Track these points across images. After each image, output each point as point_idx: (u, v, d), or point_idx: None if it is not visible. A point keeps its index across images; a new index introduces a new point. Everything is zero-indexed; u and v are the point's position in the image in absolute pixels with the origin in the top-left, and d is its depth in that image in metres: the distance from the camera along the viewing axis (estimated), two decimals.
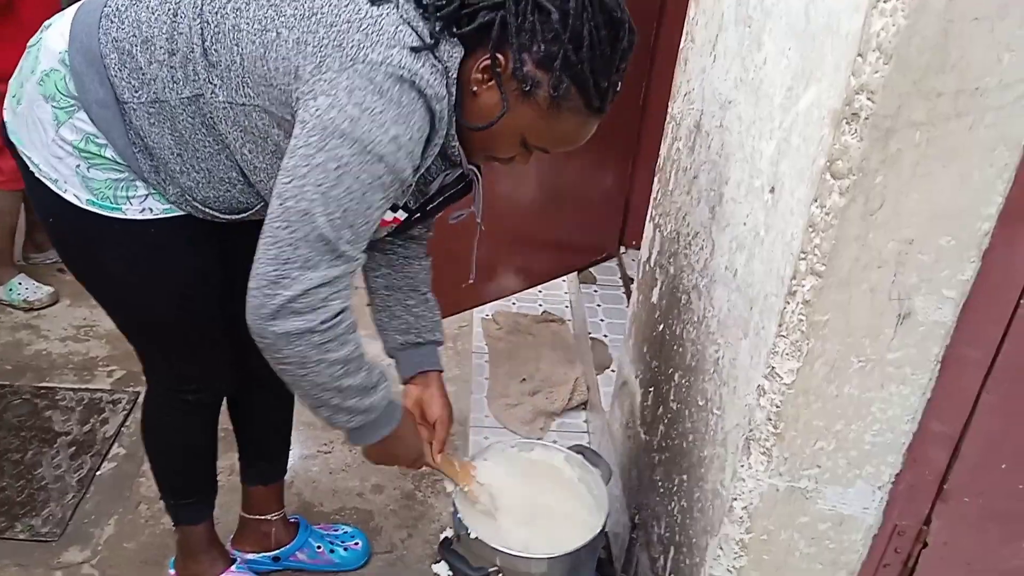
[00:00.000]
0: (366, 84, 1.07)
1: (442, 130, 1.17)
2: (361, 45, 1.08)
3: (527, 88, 1.14)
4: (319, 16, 1.12)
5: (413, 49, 1.09)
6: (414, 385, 1.52)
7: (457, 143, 1.22)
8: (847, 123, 0.90)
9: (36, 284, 2.90)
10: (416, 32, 1.11)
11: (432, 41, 1.12)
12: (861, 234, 0.94)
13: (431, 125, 1.14)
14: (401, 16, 1.12)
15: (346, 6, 1.11)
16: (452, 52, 1.14)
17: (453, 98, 1.16)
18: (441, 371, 1.55)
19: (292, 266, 1.10)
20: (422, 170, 1.21)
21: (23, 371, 2.59)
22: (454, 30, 1.14)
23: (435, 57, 1.12)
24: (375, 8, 1.11)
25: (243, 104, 1.20)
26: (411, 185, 1.25)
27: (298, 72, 1.11)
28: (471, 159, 1.28)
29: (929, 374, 1.03)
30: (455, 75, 1.15)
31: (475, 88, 1.17)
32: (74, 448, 2.28)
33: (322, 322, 1.13)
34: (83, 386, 2.54)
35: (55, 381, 2.56)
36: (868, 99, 0.88)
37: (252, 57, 1.16)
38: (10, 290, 2.87)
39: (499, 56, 1.13)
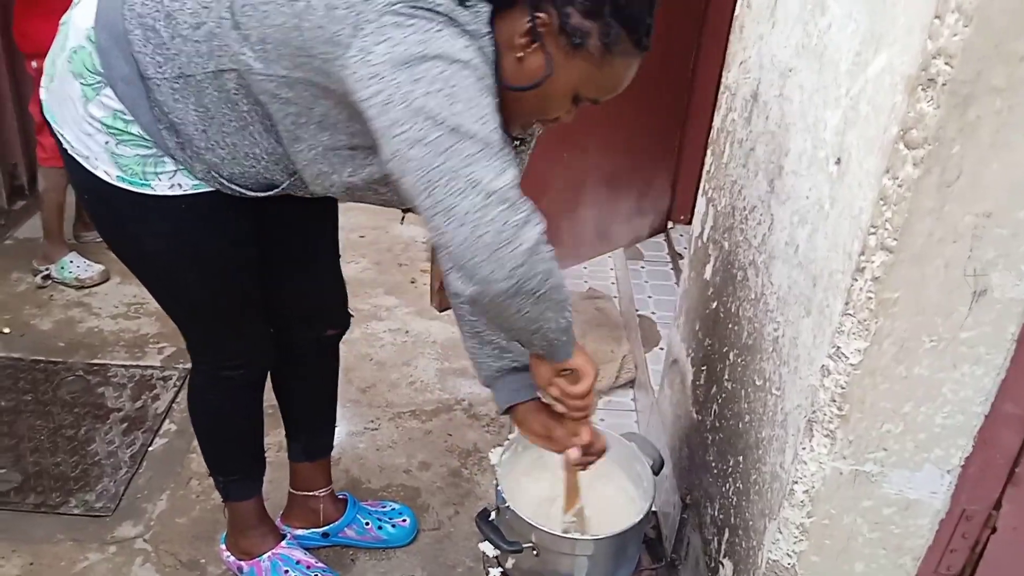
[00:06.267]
0: (412, 11, 1.04)
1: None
2: None
3: (577, 41, 1.11)
4: None
5: None
6: (525, 412, 1.41)
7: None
8: (923, 90, 0.85)
9: (87, 262, 2.94)
10: None
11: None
12: (936, 207, 0.89)
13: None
14: None
15: None
16: (480, 9, 1.10)
17: (491, 57, 1.13)
18: (538, 399, 1.41)
19: (482, 172, 1.03)
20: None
21: (76, 348, 2.64)
22: None
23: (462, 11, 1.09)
24: None
25: (284, 76, 1.18)
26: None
27: (336, 39, 1.08)
28: (509, 129, 1.22)
29: (1004, 353, 0.98)
30: (491, 33, 1.11)
31: (520, 54, 1.14)
32: (126, 424, 2.32)
33: (532, 210, 1.06)
34: (134, 363, 2.58)
35: (107, 358, 2.60)
36: (946, 64, 0.83)
37: (285, 28, 1.13)
38: (62, 268, 2.92)
39: (539, 15, 1.10)
